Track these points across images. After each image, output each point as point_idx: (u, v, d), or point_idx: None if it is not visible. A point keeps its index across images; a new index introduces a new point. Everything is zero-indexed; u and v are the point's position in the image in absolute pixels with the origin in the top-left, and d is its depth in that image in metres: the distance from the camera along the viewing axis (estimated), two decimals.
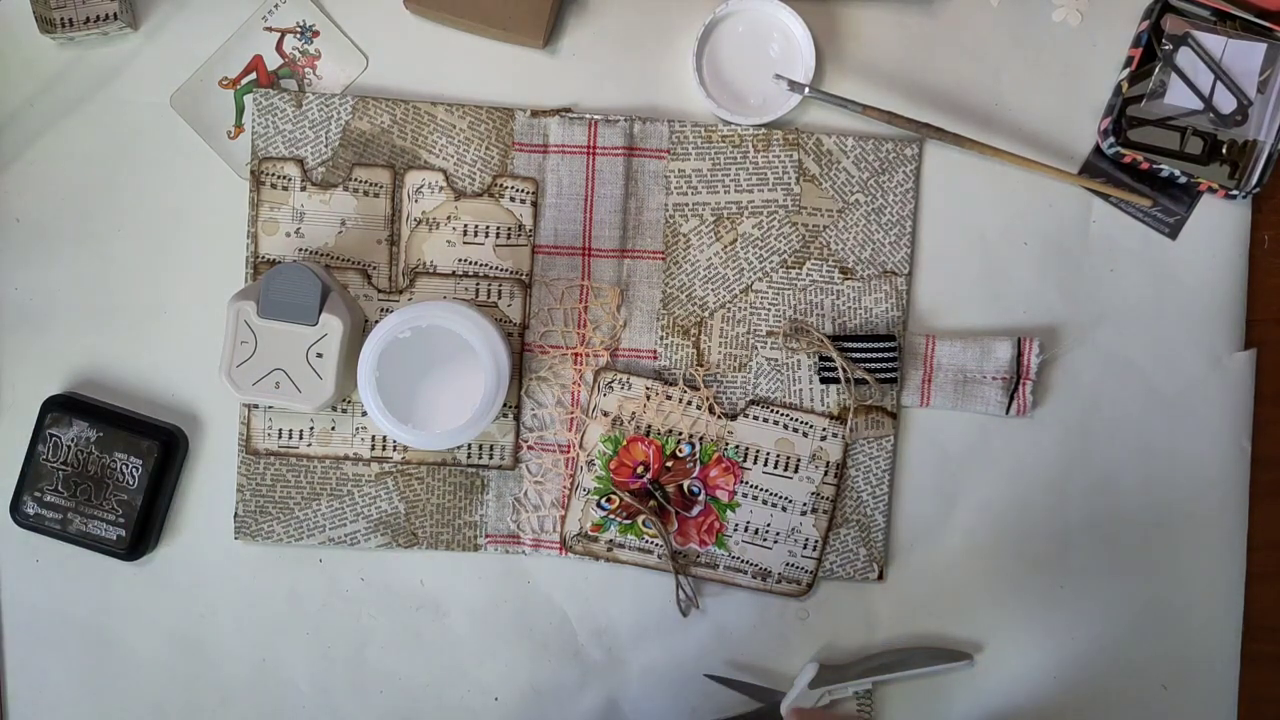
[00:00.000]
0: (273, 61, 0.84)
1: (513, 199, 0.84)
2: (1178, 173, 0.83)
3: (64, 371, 0.84)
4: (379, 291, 0.83)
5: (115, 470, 0.81)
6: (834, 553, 0.85)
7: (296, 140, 0.83)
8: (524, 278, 0.84)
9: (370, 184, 0.83)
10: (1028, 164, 0.84)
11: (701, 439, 0.84)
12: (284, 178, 0.83)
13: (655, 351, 0.84)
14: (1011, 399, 0.84)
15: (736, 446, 0.84)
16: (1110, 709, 0.86)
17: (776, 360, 0.84)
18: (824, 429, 0.84)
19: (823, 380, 0.84)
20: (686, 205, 0.84)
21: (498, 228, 0.84)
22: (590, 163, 0.84)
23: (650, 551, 0.84)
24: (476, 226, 0.84)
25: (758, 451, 0.84)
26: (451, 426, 0.75)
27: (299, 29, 0.84)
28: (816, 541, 0.84)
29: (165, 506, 0.84)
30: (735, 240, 0.84)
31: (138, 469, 0.81)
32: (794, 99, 0.83)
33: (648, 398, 0.84)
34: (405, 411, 0.76)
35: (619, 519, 0.84)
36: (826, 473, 0.84)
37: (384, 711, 0.85)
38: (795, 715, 0.78)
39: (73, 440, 0.81)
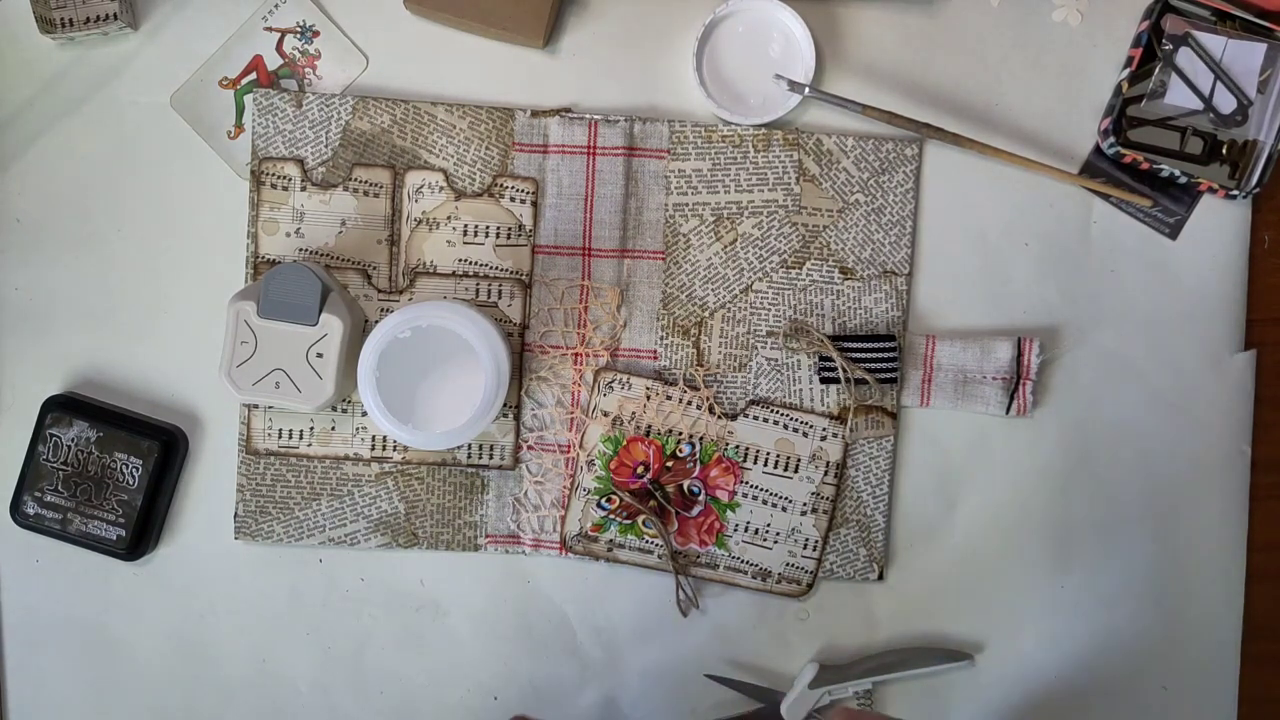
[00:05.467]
0: (273, 61, 0.84)
1: (513, 199, 0.84)
2: (1178, 173, 0.83)
3: (64, 371, 0.84)
4: (379, 291, 0.83)
5: (115, 470, 0.81)
6: (834, 553, 0.85)
7: (296, 140, 0.83)
8: (524, 278, 0.84)
9: (370, 184, 0.83)
10: (1028, 164, 0.84)
11: (701, 439, 0.84)
12: (284, 178, 0.83)
13: (655, 351, 0.84)
14: (1011, 399, 0.84)
15: (736, 446, 0.84)
16: (1110, 709, 0.86)
17: (776, 360, 0.84)
18: (824, 429, 0.84)
19: (823, 380, 0.84)
20: (686, 205, 0.84)
21: (498, 228, 0.84)
22: (590, 163, 0.84)
23: (650, 551, 0.84)
24: (476, 226, 0.84)
25: (758, 451, 0.84)
26: (451, 426, 0.75)
27: (299, 29, 0.84)
28: (816, 541, 0.84)
29: (165, 506, 0.84)
30: (735, 240, 0.84)
31: (138, 469, 0.81)
32: (794, 99, 0.83)
33: (648, 398, 0.84)
34: (405, 411, 0.76)
35: (619, 519, 0.84)
36: (826, 473, 0.84)
37: (384, 711, 0.85)
38: (841, 715, 0.76)
39: (73, 440, 0.81)
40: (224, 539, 0.84)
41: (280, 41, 0.84)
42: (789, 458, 0.84)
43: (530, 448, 0.84)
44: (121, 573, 0.84)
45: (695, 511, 0.84)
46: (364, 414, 0.83)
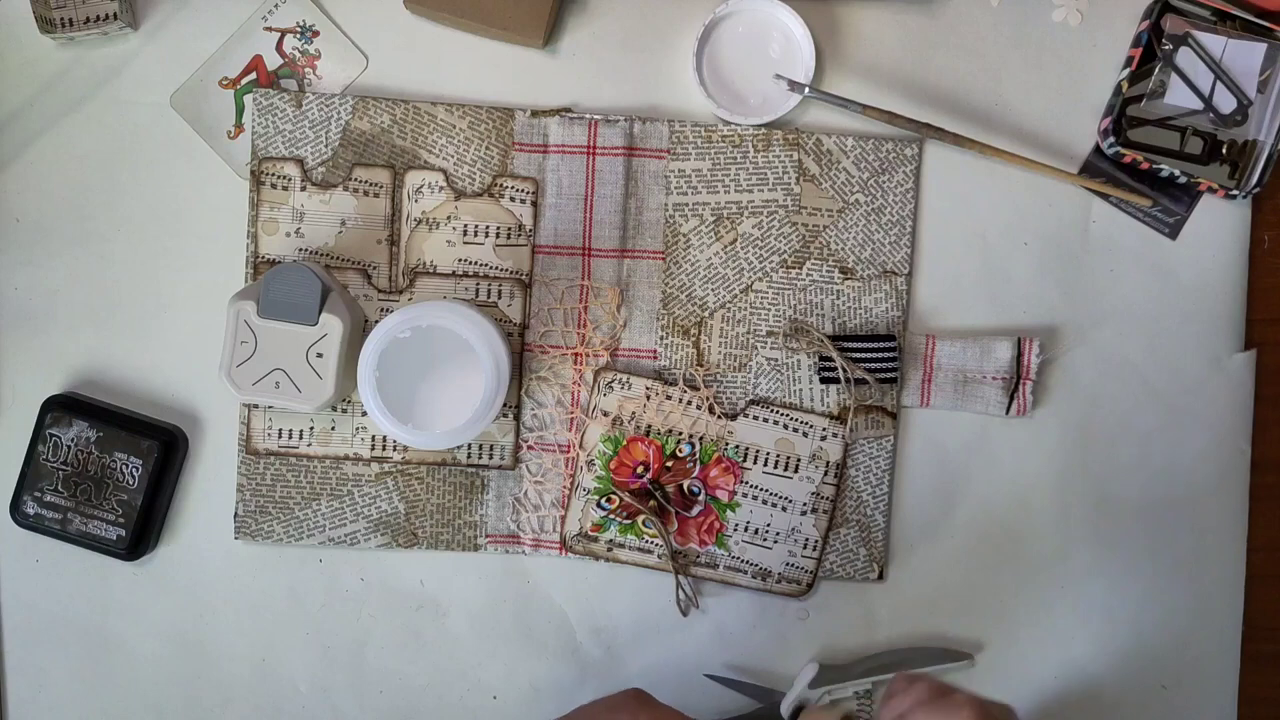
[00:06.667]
0: (273, 61, 0.84)
1: (513, 199, 0.84)
2: (1178, 173, 0.83)
3: (64, 371, 0.84)
4: (379, 291, 0.83)
5: (115, 470, 0.81)
6: (834, 553, 0.85)
7: (296, 140, 0.83)
8: (524, 278, 0.84)
9: (370, 184, 0.83)
10: (1028, 164, 0.84)
11: (701, 439, 0.84)
12: (284, 178, 0.83)
13: (655, 351, 0.84)
14: (1011, 399, 0.84)
15: (736, 446, 0.84)
16: (1110, 709, 0.86)
17: (776, 360, 0.84)
18: (824, 429, 0.84)
19: (823, 380, 0.84)
20: (686, 205, 0.84)
21: (498, 228, 0.84)
22: (590, 163, 0.84)
23: (650, 551, 0.84)
24: (476, 226, 0.84)
25: (758, 451, 0.84)
26: (451, 426, 0.75)
27: (299, 29, 0.84)
28: (816, 541, 0.84)
29: (165, 506, 0.84)
30: (735, 240, 0.84)
31: (138, 469, 0.81)
32: (794, 99, 0.83)
33: (648, 398, 0.84)
34: (405, 411, 0.76)
35: (619, 519, 0.84)
36: (826, 473, 0.84)
37: (384, 711, 0.85)
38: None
39: (73, 440, 0.81)
40: (224, 539, 0.84)
41: (280, 41, 0.84)
42: (789, 458, 0.84)
43: (530, 448, 0.84)
44: (121, 573, 0.84)
45: (695, 511, 0.84)
46: (364, 414, 0.83)
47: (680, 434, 0.84)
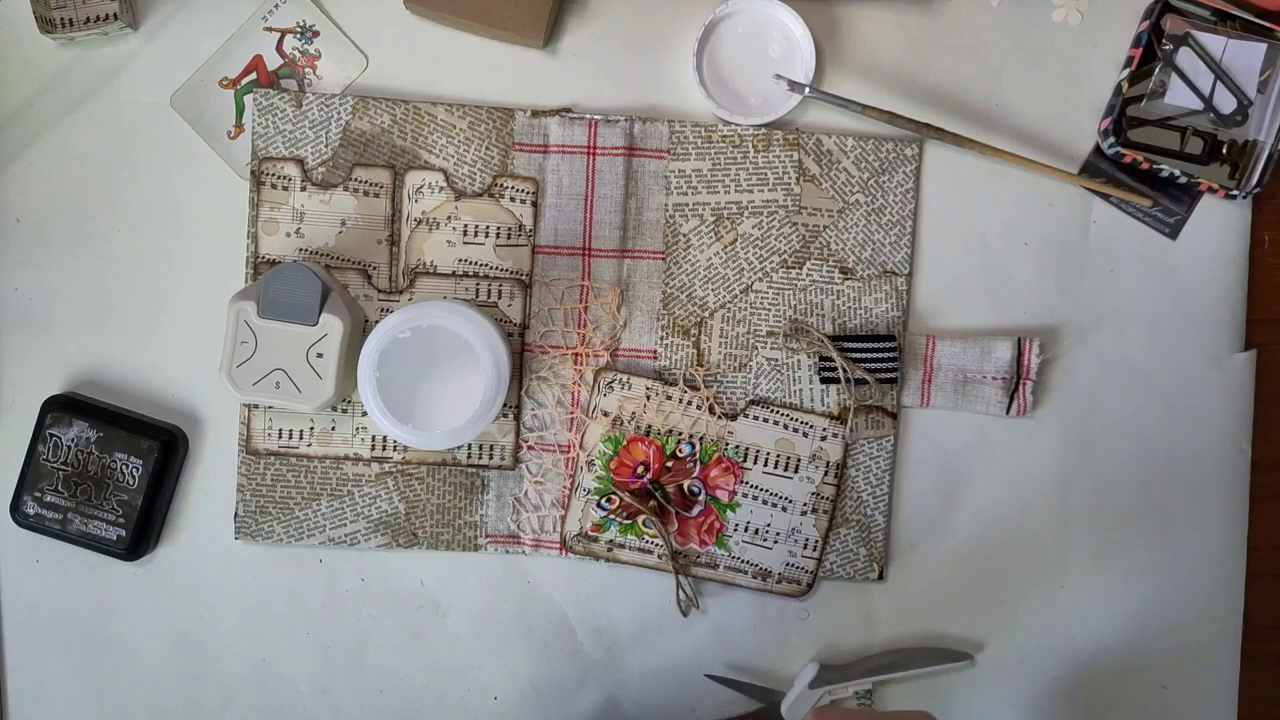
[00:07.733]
0: (273, 61, 0.84)
1: (513, 199, 0.84)
2: (1178, 173, 0.83)
3: (64, 371, 0.84)
4: (379, 291, 0.83)
5: (115, 470, 0.81)
6: (834, 553, 0.85)
7: (296, 140, 0.83)
8: (524, 278, 0.84)
9: (370, 184, 0.83)
10: (1028, 164, 0.84)
11: (702, 439, 0.84)
12: (284, 178, 0.83)
13: (655, 351, 0.84)
14: (1011, 399, 0.84)
15: (736, 446, 0.84)
16: (1110, 709, 0.86)
17: (776, 360, 0.84)
18: (824, 429, 0.84)
19: (823, 380, 0.84)
20: (686, 205, 0.84)
21: (498, 228, 0.84)
22: (590, 163, 0.84)
23: (650, 551, 0.84)
24: (476, 226, 0.84)
25: (758, 451, 0.84)
26: (451, 426, 0.75)
27: (299, 29, 0.84)
28: (816, 541, 0.84)
29: (165, 506, 0.84)
30: (735, 240, 0.84)
31: (138, 469, 0.81)
32: (794, 99, 0.83)
33: (648, 398, 0.84)
34: (405, 411, 0.76)
35: (619, 519, 0.84)
36: (826, 473, 0.84)
37: (384, 711, 0.85)
38: (817, 716, 0.75)
39: (73, 440, 0.81)
40: (224, 539, 0.84)
41: (280, 41, 0.84)
42: (789, 458, 0.84)
43: (530, 448, 0.84)
44: (121, 573, 0.84)
45: (695, 511, 0.84)
46: (364, 414, 0.83)
47: (680, 434, 0.84)
